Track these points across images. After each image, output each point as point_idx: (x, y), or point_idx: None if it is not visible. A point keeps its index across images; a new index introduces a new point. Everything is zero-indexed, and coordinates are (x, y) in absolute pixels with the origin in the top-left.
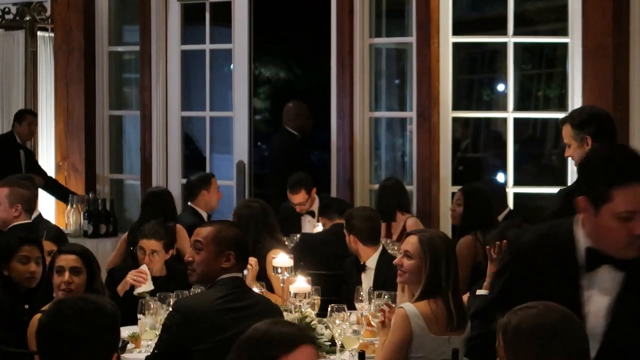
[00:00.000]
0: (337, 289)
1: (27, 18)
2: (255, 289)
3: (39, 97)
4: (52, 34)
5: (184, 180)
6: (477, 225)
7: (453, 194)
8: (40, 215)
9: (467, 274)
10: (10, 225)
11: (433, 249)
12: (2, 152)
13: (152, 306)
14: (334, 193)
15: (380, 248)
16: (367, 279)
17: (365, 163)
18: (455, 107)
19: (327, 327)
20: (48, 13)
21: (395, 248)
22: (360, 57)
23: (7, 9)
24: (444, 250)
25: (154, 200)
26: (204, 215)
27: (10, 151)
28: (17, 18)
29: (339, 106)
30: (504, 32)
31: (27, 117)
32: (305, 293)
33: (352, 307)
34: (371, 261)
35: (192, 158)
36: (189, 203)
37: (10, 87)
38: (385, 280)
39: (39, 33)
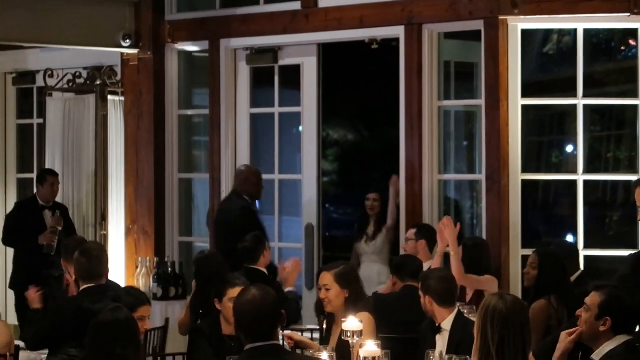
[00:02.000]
0: (406, 354)
1: (98, 82)
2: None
3: (109, 160)
4: (122, 98)
5: None
6: (552, 289)
7: (523, 256)
8: None
9: (540, 338)
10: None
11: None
12: (26, 215)
13: None
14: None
15: (456, 310)
16: (442, 341)
17: (434, 225)
18: (525, 170)
19: None
20: (118, 77)
21: (465, 311)
22: (429, 120)
23: (78, 73)
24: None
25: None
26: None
27: (33, 213)
28: (88, 82)
29: (407, 168)
30: (573, 94)
31: (49, 178)
32: (375, 357)
33: None
34: (446, 323)
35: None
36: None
37: (81, 151)
38: (460, 342)
39: (109, 97)
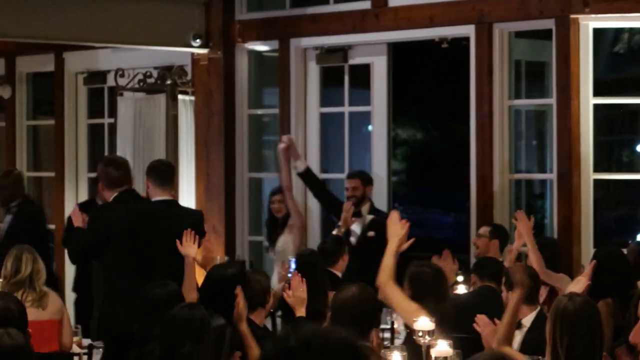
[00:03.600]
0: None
1: (168, 82)
2: None
3: (179, 160)
4: (192, 98)
5: None
6: (612, 290)
7: None
8: None
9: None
10: None
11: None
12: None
13: None
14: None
15: (538, 309)
16: (520, 336)
17: (504, 225)
18: (596, 169)
19: None
20: (189, 77)
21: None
22: (500, 119)
23: (148, 73)
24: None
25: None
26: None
27: None
28: (159, 82)
29: (478, 168)
30: None
31: None
32: (447, 357)
33: None
34: (527, 319)
35: (331, 221)
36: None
37: (152, 150)
38: (537, 341)
39: (179, 96)
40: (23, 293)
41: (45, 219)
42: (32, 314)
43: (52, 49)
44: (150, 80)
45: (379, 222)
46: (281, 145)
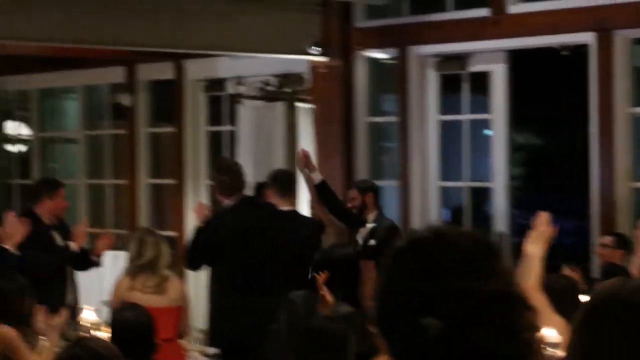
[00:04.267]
0: None
1: (287, 89)
2: None
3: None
4: (311, 105)
5: None
6: None
7: None
8: None
9: None
10: None
11: None
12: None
13: None
14: (596, 263)
15: None
16: None
17: (626, 233)
18: None
19: None
20: (307, 84)
21: None
22: (621, 126)
23: (267, 81)
24: None
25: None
26: None
27: None
28: (278, 90)
29: (599, 176)
30: None
31: None
32: None
33: None
34: None
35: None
36: None
37: (271, 158)
38: None
39: (298, 104)
40: (146, 277)
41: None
42: (151, 300)
43: (172, 57)
44: (269, 88)
45: (379, 230)
46: (299, 162)
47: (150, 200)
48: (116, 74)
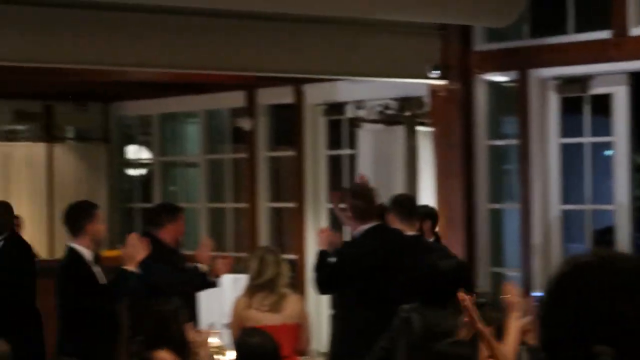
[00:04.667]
0: None
1: (407, 113)
2: None
3: (419, 191)
4: (430, 129)
5: None
6: None
7: None
8: None
9: None
10: None
11: None
12: None
13: None
14: None
15: None
16: None
17: None
18: None
19: None
20: (427, 108)
21: None
22: None
23: (387, 105)
24: None
25: None
26: None
27: None
28: (397, 113)
29: None
30: None
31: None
32: None
33: None
34: None
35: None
36: None
37: (391, 182)
38: None
39: (418, 128)
40: (264, 296)
41: (32, 254)
42: (267, 318)
43: (291, 81)
44: (389, 112)
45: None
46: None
47: (270, 224)
48: (236, 99)
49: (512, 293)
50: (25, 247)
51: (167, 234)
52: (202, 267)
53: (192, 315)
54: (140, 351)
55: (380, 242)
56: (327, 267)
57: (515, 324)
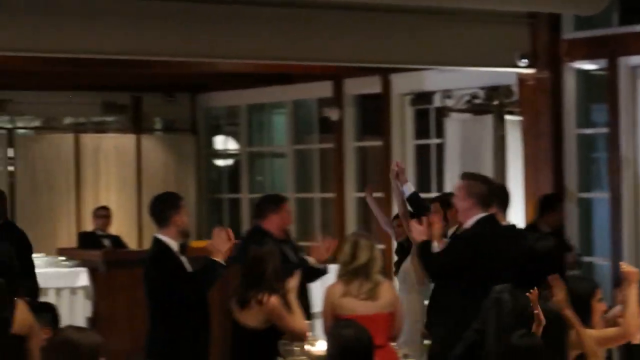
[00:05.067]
0: None
1: (495, 102)
2: None
3: (507, 181)
4: (519, 118)
5: None
6: None
7: None
8: None
9: None
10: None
11: None
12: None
13: None
14: None
15: None
16: None
17: None
18: None
19: None
20: (515, 97)
21: None
22: None
23: (475, 94)
24: None
25: None
26: None
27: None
28: (485, 102)
29: None
30: None
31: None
32: None
33: None
34: None
35: None
36: None
37: (479, 171)
38: None
39: (506, 117)
40: (360, 283)
41: (28, 242)
42: (362, 307)
43: (378, 71)
44: (477, 101)
45: None
46: (393, 173)
47: (357, 213)
48: (323, 89)
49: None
50: (20, 235)
51: (271, 224)
52: (310, 259)
53: (305, 305)
54: (239, 292)
55: (492, 232)
56: (435, 256)
57: (634, 294)
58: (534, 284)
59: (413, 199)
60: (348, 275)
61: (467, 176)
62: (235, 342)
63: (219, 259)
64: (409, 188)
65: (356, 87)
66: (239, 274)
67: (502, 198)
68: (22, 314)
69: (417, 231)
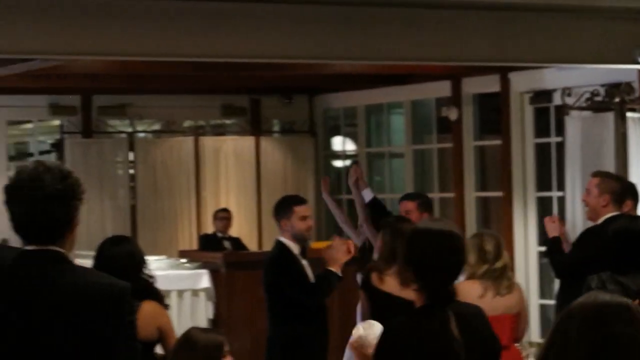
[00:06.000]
0: None
1: (616, 99)
2: None
3: (629, 179)
4: None
5: None
6: None
7: None
8: None
9: None
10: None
11: None
12: None
13: None
14: None
15: None
16: None
17: None
18: None
19: None
20: (637, 94)
21: None
22: None
23: (596, 91)
24: None
25: None
26: None
27: None
28: (606, 100)
29: None
30: None
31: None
32: None
33: None
34: None
35: None
36: None
37: (600, 170)
38: None
39: (628, 114)
40: (495, 283)
41: None
42: (489, 307)
43: (497, 69)
44: (597, 99)
45: None
46: (351, 179)
47: (477, 213)
48: (442, 88)
49: None
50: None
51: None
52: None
53: None
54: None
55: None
56: (564, 254)
57: None
58: (635, 265)
59: (373, 203)
60: (490, 274)
61: (600, 174)
62: None
63: (336, 269)
64: (368, 194)
65: (475, 86)
66: None
67: (634, 195)
68: (146, 319)
69: (551, 228)
